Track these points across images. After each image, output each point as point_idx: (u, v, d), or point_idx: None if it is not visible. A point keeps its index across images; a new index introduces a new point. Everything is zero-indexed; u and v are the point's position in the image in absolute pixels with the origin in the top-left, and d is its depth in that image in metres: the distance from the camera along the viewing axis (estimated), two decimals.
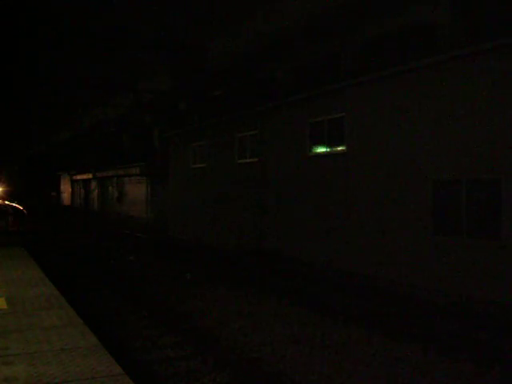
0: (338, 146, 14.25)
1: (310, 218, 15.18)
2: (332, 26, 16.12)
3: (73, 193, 57.98)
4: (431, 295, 10.72)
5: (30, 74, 26.41)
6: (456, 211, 10.91)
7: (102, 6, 17.58)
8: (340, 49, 16.25)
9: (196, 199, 22.86)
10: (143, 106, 31.43)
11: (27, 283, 9.38)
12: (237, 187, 19.27)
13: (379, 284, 12.00)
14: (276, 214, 16.86)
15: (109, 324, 8.43)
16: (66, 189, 61.93)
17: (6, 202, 60.56)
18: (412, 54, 12.35)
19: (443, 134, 11.15)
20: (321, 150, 15.02)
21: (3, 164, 76.07)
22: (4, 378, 4.59)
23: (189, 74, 24.67)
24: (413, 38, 13.20)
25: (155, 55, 23.69)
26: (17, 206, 54.99)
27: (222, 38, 22.08)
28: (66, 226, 30.36)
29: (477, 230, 10.47)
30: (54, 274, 12.40)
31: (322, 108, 14.87)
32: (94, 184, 47.00)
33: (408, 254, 11.86)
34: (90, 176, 45.69)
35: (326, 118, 14.71)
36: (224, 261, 16.24)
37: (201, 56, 23.04)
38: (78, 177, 51.44)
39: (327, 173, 14.61)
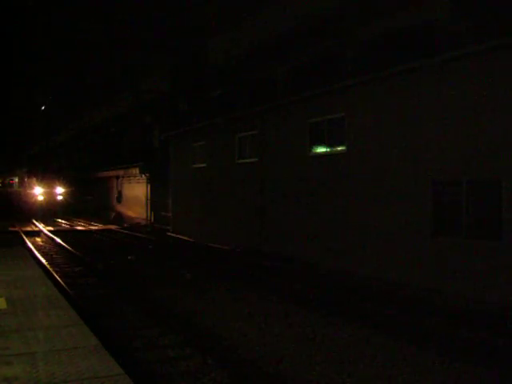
0: (338, 146, 14.25)
1: (310, 218, 15.18)
2: (332, 27, 16.12)
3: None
4: (431, 296, 10.72)
5: (30, 74, 26.45)
6: (456, 212, 10.91)
7: (103, 6, 17.60)
8: (340, 49, 16.25)
9: (196, 199, 22.86)
10: (143, 106, 31.44)
11: (27, 283, 9.38)
12: (237, 187, 19.27)
13: (379, 285, 11.99)
14: (275, 214, 16.86)
15: (108, 324, 8.42)
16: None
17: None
18: (412, 54, 12.34)
19: (443, 134, 11.15)
20: (321, 150, 15.03)
21: (13, 164, 72.01)
22: (4, 378, 4.59)
23: (189, 74, 24.66)
24: (413, 37, 13.19)
25: (155, 55, 23.71)
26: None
27: (222, 37, 22.07)
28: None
29: (477, 230, 10.48)
30: (54, 273, 12.38)
31: (322, 108, 14.87)
32: (93, 184, 46.95)
33: (408, 255, 11.86)
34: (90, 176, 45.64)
35: (326, 118, 14.72)
36: (222, 261, 16.24)
37: (201, 56, 23.02)
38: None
39: (327, 172, 14.61)
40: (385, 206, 12.55)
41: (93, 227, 28.89)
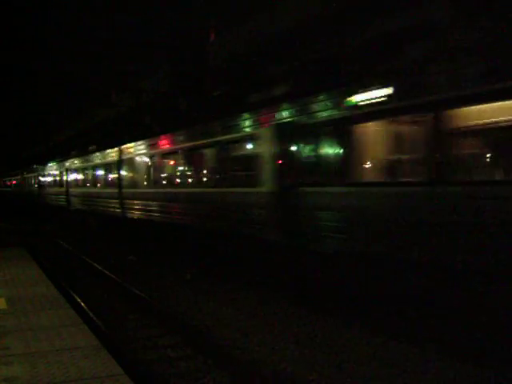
0: None
1: None
2: (331, 27, 16.09)
3: None
4: None
5: (30, 74, 26.43)
6: None
7: (103, 5, 17.59)
8: (339, 49, 16.20)
9: None
10: (143, 106, 31.37)
11: (27, 283, 9.37)
12: None
13: None
14: None
15: (108, 324, 8.42)
16: None
17: None
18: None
19: None
20: None
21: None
22: (4, 378, 4.59)
23: (189, 74, 24.67)
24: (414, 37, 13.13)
25: (155, 55, 23.67)
26: None
27: (222, 37, 22.07)
28: (62, 225, 30.37)
29: None
30: (54, 272, 12.36)
31: None
32: None
33: None
34: None
35: None
36: None
37: (201, 56, 23.03)
38: None
39: None
40: None
41: None
